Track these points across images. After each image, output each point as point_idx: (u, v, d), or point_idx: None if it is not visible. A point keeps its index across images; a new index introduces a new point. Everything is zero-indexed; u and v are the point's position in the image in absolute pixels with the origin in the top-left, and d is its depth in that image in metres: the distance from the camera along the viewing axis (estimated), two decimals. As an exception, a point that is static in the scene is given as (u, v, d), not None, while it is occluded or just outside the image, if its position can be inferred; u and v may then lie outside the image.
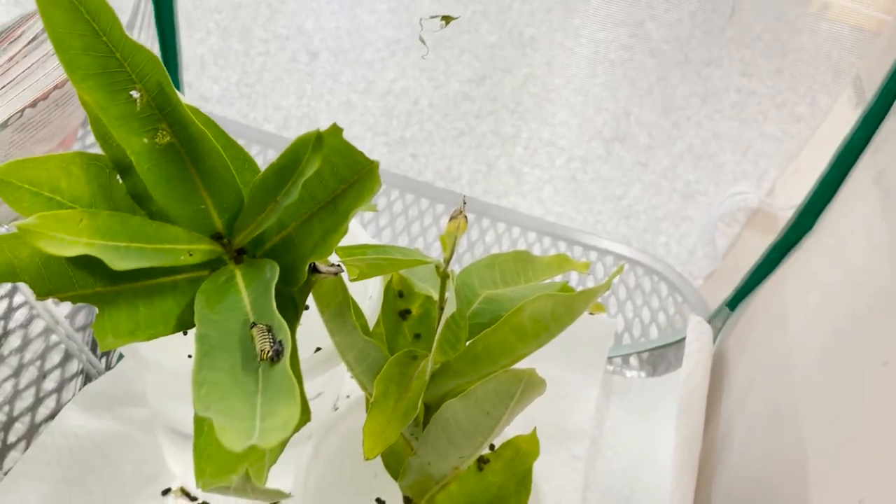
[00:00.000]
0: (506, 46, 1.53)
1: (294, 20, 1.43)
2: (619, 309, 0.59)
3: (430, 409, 0.35)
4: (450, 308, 0.31)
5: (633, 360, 0.55)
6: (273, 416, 0.21)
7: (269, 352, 0.24)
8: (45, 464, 0.38)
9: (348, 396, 0.47)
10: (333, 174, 0.28)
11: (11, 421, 0.44)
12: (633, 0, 1.72)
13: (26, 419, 0.44)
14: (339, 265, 0.30)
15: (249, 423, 0.21)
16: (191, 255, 0.28)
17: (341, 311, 0.31)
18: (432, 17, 0.41)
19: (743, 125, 1.51)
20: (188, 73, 1.29)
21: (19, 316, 0.49)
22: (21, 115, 0.32)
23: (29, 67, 0.33)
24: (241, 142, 0.30)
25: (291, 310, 0.30)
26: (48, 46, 0.34)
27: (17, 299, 0.50)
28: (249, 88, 1.27)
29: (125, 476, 0.39)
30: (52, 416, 0.44)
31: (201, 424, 0.26)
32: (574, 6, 1.70)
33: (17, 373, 0.46)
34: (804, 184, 0.50)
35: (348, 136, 0.27)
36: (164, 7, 0.48)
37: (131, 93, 0.26)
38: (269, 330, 0.25)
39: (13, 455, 0.42)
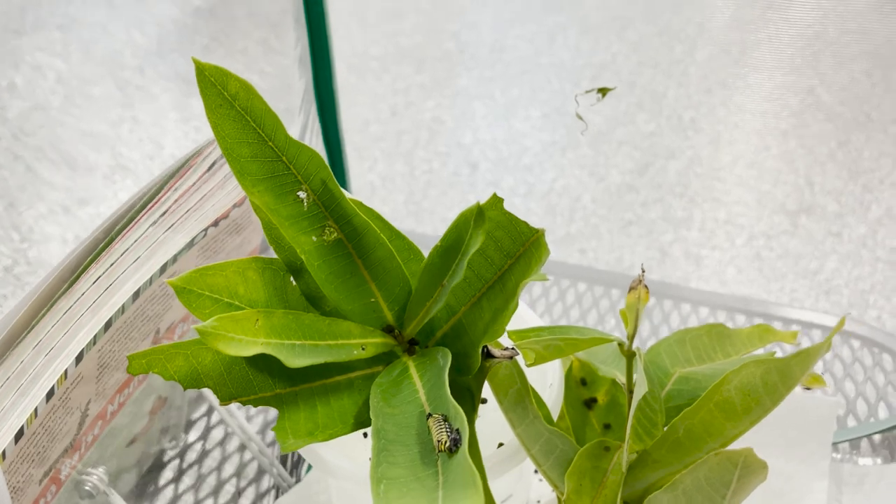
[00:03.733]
0: (665, 133, 1.50)
1: (452, 137, 1.49)
2: (837, 388, 0.52)
3: (630, 508, 0.31)
4: (640, 389, 0.28)
5: (865, 445, 0.47)
6: (456, 511, 0.19)
7: (446, 442, 0.22)
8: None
9: (539, 502, 0.43)
10: (498, 249, 0.26)
11: (211, 538, 0.44)
12: (795, 67, 1.64)
13: (224, 536, 0.45)
14: (512, 349, 0.28)
15: (431, 520, 0.19)
16: (363, 349, 0.27)
17: (521, 400, 0.29)
18: (588, 92, 0.39)
19: (950, 179, 1.35)
20: (359, 199, 1.37)
21: (216, 434, 0.51)
22: (205, 234, 0.34)
23: (210, 191, 0.35)
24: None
25: (468, 400, 0.29)
26: (226, 169, 0.36)
27: (214, 418, 0.52)
28: (416, 206, 1.32)
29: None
30: (247, 532, 0.44)
31: (385, 529, 0.25)
32: (733, 83, 1.64)
33: (215, 491, 0.48)
34: None
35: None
36: (331, 133, 0.51)
37: (298, 193, 0.27)
38: (446, 419, 0.23)
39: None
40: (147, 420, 0.44)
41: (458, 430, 0.22)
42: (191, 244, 0.33)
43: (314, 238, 0.27)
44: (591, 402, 0.36)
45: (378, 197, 1.36)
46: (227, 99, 0.25)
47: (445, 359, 0.26)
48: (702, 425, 0.26)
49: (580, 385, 0.36)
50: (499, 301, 0.27)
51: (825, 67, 1.65)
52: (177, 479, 0.48)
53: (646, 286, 0.30)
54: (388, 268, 0.28)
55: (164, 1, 1.71)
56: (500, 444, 0.32)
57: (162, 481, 0.48)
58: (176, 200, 0.33)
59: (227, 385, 0.26)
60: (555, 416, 0.34)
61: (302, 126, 0.40)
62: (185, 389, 0.25)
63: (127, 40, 1.63)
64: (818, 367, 0.53)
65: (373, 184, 1.40)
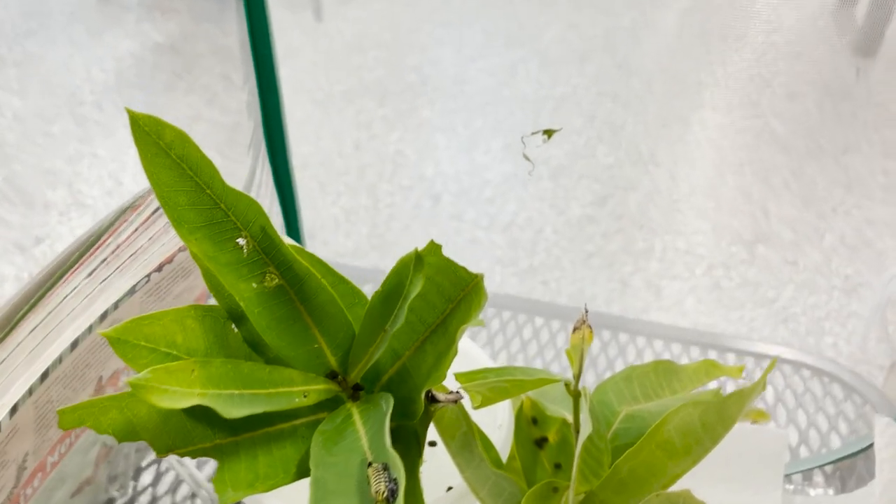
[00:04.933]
0: (624, 165, 1.52)
1: (415, 170, 1.50)
2: (790, 419, 0.53)
3: (580, 550, 0.31)
4: (586, 429, 0.28)
5: (818, 476, 0.47)
6: (390, 566, 0.19)
7: (384, 492, 0.22)
8: None
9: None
10: (440, 294, 0.26)
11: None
12: (750, 102, 1.68)
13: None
14: (457, 392, 0.28)
15: (365, 576, 0.19)
16: (305, 396, 0.27)
17: (467, 443, 0.29)
18: (534, 133, 0.40)
19: (899, 207, 1.39)
20: (323, 232, 1.37)
21: (166, 482, 0.50)
22: (148, 280, 0.34)
23: (154, 235, 0.35)
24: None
25: (414, 444, 0.28)
26: (172, 213, 0.36)
27: (164, 465, 0.51)
28: (379, 239, 1.32)
29: None
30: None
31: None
32: (689, 117, 1.68)
33: (166, 539, 0.46)
34: None
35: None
36: (281, 172, 0.51)
37: (238, 240, 0.27)
38: (386, 468, 0.23)
39: None
40: (93, 468, 0.42)
41: (395, 479, 0.22)
42: (133, 290, 0.33)
43: (254, 285, 0.27)
44: (541, 442, 0.36)
45: (342, 230, 1.35)
46: (162, 148, 0.25)
47: (388, 404, 0.26)
48: (644, 466, 0.26)
49: (531, 424, 0.36)
50: (441, 345, 0.27)
51: (778, 100, 1.70)
52: (126, 528, 0.47)
53: (589, 326, 0.30)
54: (330, 313, 0.28)
55: (125, 37, 1.71)
56: (450, 488, 0.32)
57: (110, 531, 0.47)
58: (118, 246, 0.33)
59: (163, 437, 0.26)
60: (504, 457, 0.34)
61: (251, 168, 0.40)
62: (119, 443, 0.25)
63: (86, 76, 1.61)
64: (770, 398, 0.54)
65: (336, 217, 1.39)
